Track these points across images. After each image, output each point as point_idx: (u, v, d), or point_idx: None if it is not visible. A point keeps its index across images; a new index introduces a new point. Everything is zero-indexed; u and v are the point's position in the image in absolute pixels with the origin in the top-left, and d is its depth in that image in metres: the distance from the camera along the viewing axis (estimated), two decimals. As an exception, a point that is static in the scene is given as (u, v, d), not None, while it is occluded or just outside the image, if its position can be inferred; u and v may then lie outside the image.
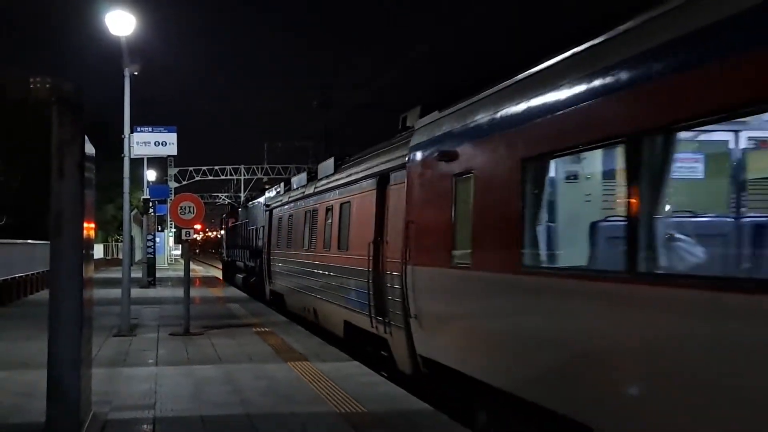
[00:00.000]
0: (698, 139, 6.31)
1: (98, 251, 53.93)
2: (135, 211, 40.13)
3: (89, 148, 7.49)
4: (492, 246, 8.22)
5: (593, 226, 6.78)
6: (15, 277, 25.57)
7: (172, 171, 74.83)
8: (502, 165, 8.08)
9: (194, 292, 25.27)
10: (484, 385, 8.28)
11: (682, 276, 5.43)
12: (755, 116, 5.15)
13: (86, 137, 7.27)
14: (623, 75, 5.94)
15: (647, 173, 5.60)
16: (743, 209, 5.87)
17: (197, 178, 78.19)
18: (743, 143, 6.17)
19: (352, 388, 10.27)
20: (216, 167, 79.04)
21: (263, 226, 27.32)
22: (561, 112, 6.83)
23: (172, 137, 18.65)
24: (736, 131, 6.13)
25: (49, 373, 6.96)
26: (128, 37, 16.89)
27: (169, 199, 41.99)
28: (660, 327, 5.34)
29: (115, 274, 32.66)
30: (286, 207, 23.05)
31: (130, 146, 17.59)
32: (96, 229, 11.13)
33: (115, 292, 19.23)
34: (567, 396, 6.59)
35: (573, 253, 7.04)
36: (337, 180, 16.78)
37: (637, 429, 5.59)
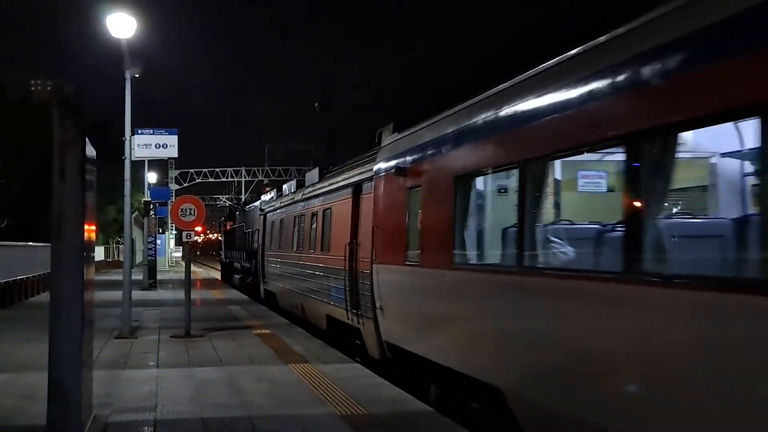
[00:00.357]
0: (562, 165, 8.05)
1: (99, 253, 53.98)
2: (136, 213, 40.17)
3: (90, 150, 7.49)
4: (434, 247, 9.98)
5: (504, 232, 8.32)
6: (16, 280, 25.57)
7: (173, 173, 74.88)
8: (440, 181, 9.91)
9: (195, 294, 25.30)
10: (432, 364, 9.99)
11: (551, 269, 7.45)
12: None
13: (87, 139, 7.28)
14: (513, 118, 8.03)
15: (531, 190, 7.52)
16: (596, 220, 7.48)
17: (198, 180, 78.29)
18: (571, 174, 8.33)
19: (353, 390, 10.27)
20: (217, 169, 79.20)
21: (258, 229, 29.13)
22: (479, 140, 8.89)
23: (173, 139, 18.64)
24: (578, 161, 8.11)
25: (50, 375, 6.96)
26: (129, 39, 16.89)
27: (169, 202, 42.01)
28: (537, 306, 7.29)
29: (116, 276, 32.65)
30: (278, 211, 24.96)
31: (131, 149, 17.59)
32: (97, 232, 11.19)
33: (116, 295, 19.24)
34: (484, 366, 8.52)
35: (489, 253, 8.98)
36: (320, 188, 18.64)
37: (525, 386, 7.72)
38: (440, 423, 8.65)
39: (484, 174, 9.01)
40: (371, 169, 13.42)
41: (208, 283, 40.75)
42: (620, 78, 6.11)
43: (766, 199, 4.98)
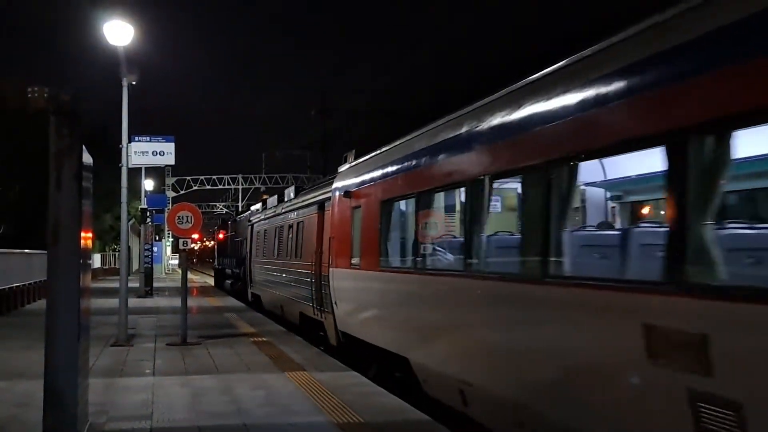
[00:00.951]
0: (436, 196, 10.66)
1: (96, 261, 53.92)
2: (132, 220, 40.09)
3: (87, 158, 7.49)
4: (368, 254, 12.98)
5: (414, 243, 10.99)
6: (13, 287, 25.52)
7: (170, 180, 74.90)
8: (372, 204, 12.96)
9: (191, 302, 25.28)
10: (369, 345, 12.90)
11: (433, 269, 10.37)
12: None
13: (84, 147, 7.27)
14: (410, 163, 11.24)
15: (422, 214, 10.69)
16: (456, 235, 10.20)
17: (195, 188, 78.30)
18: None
19: (350, 399, 10.26)
20: (214, 177, 79.19)
21: (246, 239, 32.05)
22: (393, 175, 12.04)
23: (170, 147, 18.69)
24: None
25: (46, 382, 6.94)
26: (126, 46, 16.90)
27: (166, 209, 41.94)
28: (426, 296, 10.32)
29: (113, 283, 32.63)
30: (262, 222, 28.13)
31: (128, 156, 17.59)
32: (93, 239, 11.21)
33: (113, 302, 19.21)
34: (398, 342, 11.50)
35: (399, 259, 11.99)
36: (295, 203, 21.81)
37: (420, 354, 10.63)
38: (436, 431, 8.63)
39: (398, 200, 11.99)
40: (330, 190, 16.39)
41: (205, 291, 40.70)
42: (465, 138, 9.24)
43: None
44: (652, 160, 6.08)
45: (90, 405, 8.39)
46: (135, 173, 36.73)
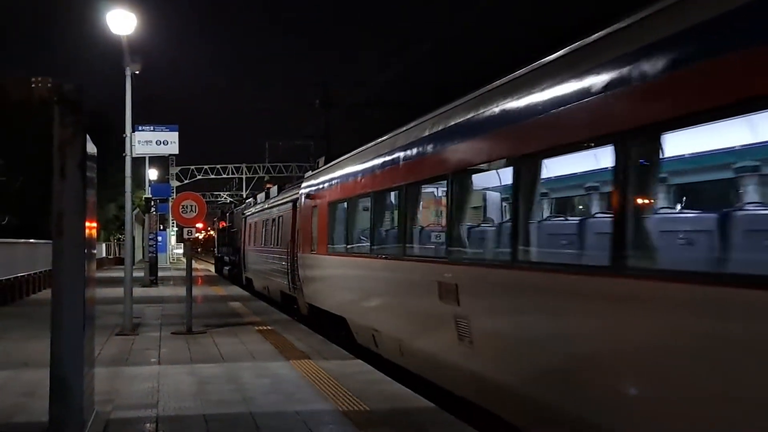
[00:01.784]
0: (364, 199, 14.08)
1: (100, 250, 53.99)
2: (137, 210, 40.14)
3: (91, 148, 7.49)
4: (321, 242, 16.87)
5: (346, 234, 14.84)
6: (18, 277, 25.59)
7: (174, 170, 74.92)
8: (323, 204, 16.90)
9: (196, 291, 25.30)
10: (325, 312, 16.56)
11: (361, 253, 13.76)
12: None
13: (88, 136, 7.27)
14: (347, 174, 15.24)
15: (355, 214, 14.47)
16: (388, 228, 13.13)
17: (199, 177, 78.29)
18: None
19: (355, 387, 10.28)
20: (218, 166, 79.20)
21: (240, 229, 36.43)
22: (335, 183, 16.09)
23: (173, 136, 18.60)
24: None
25: (52, 372, 6.97)
26: (129, 36, 16.87)
27: (170, 198, 41.99)
28: (357, 271, 13.89)
29: (118, 273, 32.68)
30: (253, 215, 32.31)
31: (131, 145, 17.58)
32: (98, 229, 11.25)
33: (118, 291, 19.25)
34: (339, 306, 15.33)
35: (340, 246, 15.26)
36: (277, 201, 26.08)
37: (353, 314, 14.29)
38: (442, 419, 8.65)
39: (338, 203, 15.72)
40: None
41: (209, 280, 40.76)
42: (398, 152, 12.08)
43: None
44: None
45: (96, 394, 8.43)
46: (139, 163, 36.76)
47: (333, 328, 15.94)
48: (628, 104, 5.97)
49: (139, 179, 39.12)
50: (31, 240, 29.26)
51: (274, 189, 29.23)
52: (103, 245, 58.51)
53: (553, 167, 7.83)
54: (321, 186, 17.64)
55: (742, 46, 4.90)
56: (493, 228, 9.39)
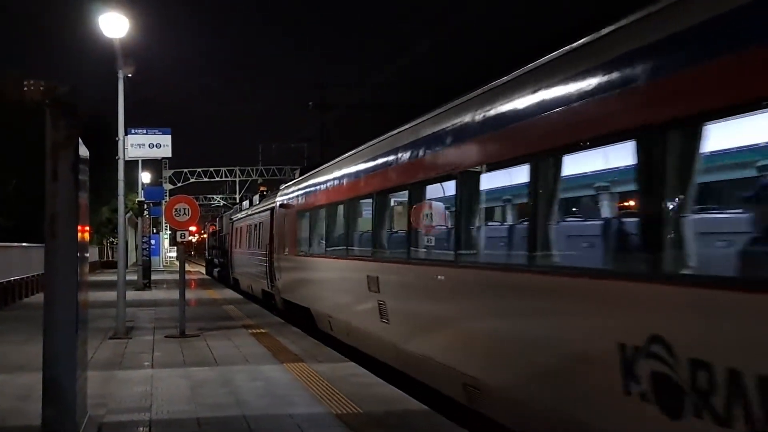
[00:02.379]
0: (321, 208, 17.27)
1: (93, 254, 53.88)
2: (130, 213, 40.08)
3: (83, 151, 7.48)
4: (291, 245, 20.02)
5: (309, 238, 18.00)
6: (11, 280, 25.53)
7: (167, 173, 74.84)
8: (293, 212, 20.06)
9: (190, 294, 25.28)
10: (295, 305, 19.73)
11: (320, 254, 16.76)
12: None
13: (80, 139, 7.26)
14: (309, 188, 18.97)
15: (316, 221, 17.65)
16: (342, 233, 15.17)
17: (192, 180, 78.24)
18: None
19: (348, 389, 10.28)
20: (211, 169, 79.20)
21: (228, 233, 39.29)
22: (301, 197, 19.47)
23: (166, 139, 18.67)
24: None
25: (45, 375, 6.96)
26: (122, 39, 16.86)
27: (163, 201, 41.89)
28: (312, 269, 17.53)
29: (111, 276, 32.62)
30: (238, 221, 35.08)
31: (124, 148, 17.57)
32: (91, 232, 11.20)
33: (111, 295, 19.20)
34: (305, 298, 18.43)
35: (306, 247, 18.35)
36: (258, 208, 28.83)
37: (316, 305, 17.32)
38: (435, 422, 8.66)
39: (305, 211, 18.76)
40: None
41: (203, 283, 40.70)
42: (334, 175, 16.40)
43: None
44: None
45: (89, 397, 8.40)
46: (132, 166, 36.73)
47: (302, 318, 18.91)
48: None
49: (132, 182, 39.08)
50: (25, 243, 29.18)
51: (256, 197, 33.41)
52: (96, 248, 58.37)
53: (431, 193, 10.67)
54: (291, 197, 21.09)
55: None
56: (398, 233, 12.11)
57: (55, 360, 6.95)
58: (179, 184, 75.45)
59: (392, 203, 12.46)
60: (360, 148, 14.72)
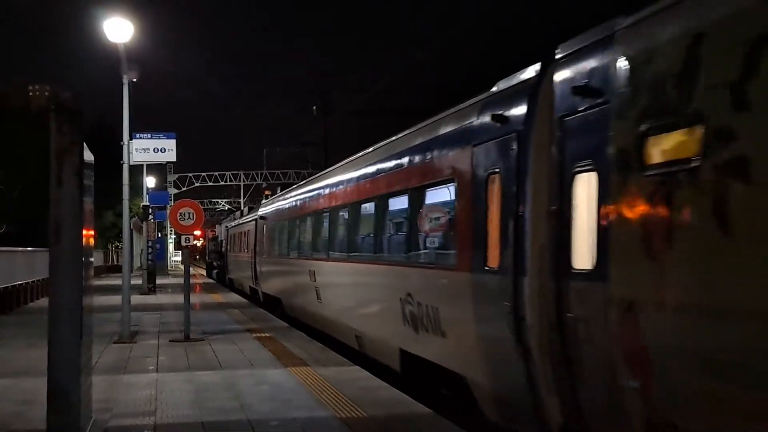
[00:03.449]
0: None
1: (98, 258, 53.90)
2: (135, 218, 40.09)
3: (88, 155, 7.50)
4: (268, 249, 24.90)
5: (279, 244, 23.19)
6: (16, 285, 25.57)
7: (172, 177, 74.91)
8: (269, 224, 25.37)
9: (194, 299, 25.29)
10: (271, 296, 24.43)
11: (281, 255, 22.51)
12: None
13: (85, 144, 7.28)
14: (279, 206, 25.25)
15: (282, 231, 23.24)
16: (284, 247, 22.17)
17: (197, 184, 78.27)
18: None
19: (353, 393, 10.27)
20: (215, 173, 79.22)
21: (225, 239, 44.97)
22: (274, 210, 25.88)
23: (171, 143, 18.64)
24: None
25: (49, 380, 6.96)
26: (126, 44, 16.90)
27: (168, 206, 41.92)
28: (281, 267, 22.65)
29: (115, 281, 32.68)
30: (232, 228, 40.53)
31: (129, 153, 17.59)
32: (95, 236, 11.29)
33: (116, 299, 19.24)
34: (278, 291, 23.45)
35: (279, 250, 23.00)
36: (246, 218, 35.23)
37: (284, 295, 22.24)
38: (440, 425, 8.65)
39: (276, 222, 23.81)
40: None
41: (207, 287, 40.73)
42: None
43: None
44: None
45: (94, 402, 8.42)
46: (137, 170, 36.78)
47: (276, 307, 23.71)
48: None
49: (137, 187, 39.13)
50: (30, 248, 29.23)
51: (246, 209, 44.32)
52: (101, 253, 58.40)
53: (338, 216, 15.86)
54: (267, 211, 26.85)
55: None
56: (324, 240, 16.89)
57: (60, 364, 6.96)
58: (184, 189, 75.50)
59: (321, 221, 17.32)
60: (305, 182, 22.13)
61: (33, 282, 28.27)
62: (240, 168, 79.41)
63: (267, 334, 17.32)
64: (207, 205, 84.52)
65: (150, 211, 35.79)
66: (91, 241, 8.17)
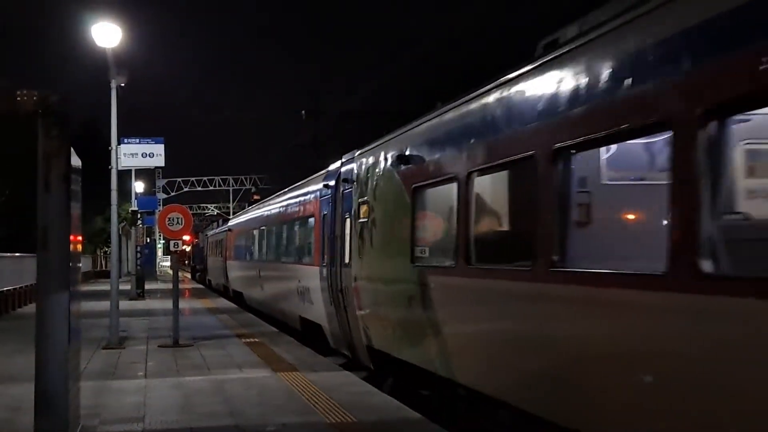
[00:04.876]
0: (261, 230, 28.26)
1: (86, 263, 53.71)
2: (124, 223, 39.96)
3: (75, 160, 7.46)
4: (236, 254, 32.37)
5: (242, 249, 30.63)
6: (3, 291, 25.44)
7: (161, 182, 74.71)
8: (234, 233, 34.18)
9: (183, 304, 25.21)
10: (238, 292, 31.32)
11: (243, 258, 30.13)
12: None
13: (72, 149, 7.24)
14: (241, 218, 35.72)
15: (247, 239, 29.93)
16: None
17: (186, 189, 78.15)
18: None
19: (343, 398, 10.25)
20: (204, 178, 79.14)
21: (205, 245, 52.31)
22: (238, 222, 35.90)
23: (159, 149, 18.62)
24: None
25: (37, 386, 6.92)
26: (114, 48, 16.85)
27: (157, 211, 41.84)
28: (242, 268, 30.30)
29: (104, 286, 32.56)
30: (211, 236, 47.88)
31: (117, 158, 17.53)
32: (84, 241, 11.26)
33: (104, 305, 19.15)
34: (242, 287, 30.13)
35: (238, 254, 31.88)
36: (221, 228, 41.41)
37: (246, 291, 28.96)
38: (430, 430, 8.64)
39: (238, 234, 32.59)
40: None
41: (197, 292, 40.66)
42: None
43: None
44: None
45: (82, 408, 8.37)
46: (126, 176, 36.67)
47: (240, 300, 29.99)
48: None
49: (125, 192, 39.01)
50: (17, 253, 29.09)
51: (221, 221, 50.17)
52: (90, 258, 58.14)
53: (273, 232, 23.23)
54: (233, 224, 36.30)
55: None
56: (260, 248, 23.80)
57: (48, 370, 6.92)
58: (173, 194, 75.39)
59: (256, 235, 26.23)
60: (254, 206, 31.26)
61: (21, 288, 28.14)
62: (229, 173, 79.41)
63: (256, 339, 17.27)
64: (196, 210, 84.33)
65: (139, 216, 35.70)
66: (79, 246, 8.13)
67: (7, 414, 9.54)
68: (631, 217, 7.40)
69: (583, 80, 6.38)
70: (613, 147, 6.98)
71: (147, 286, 36.06)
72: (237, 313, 25.17)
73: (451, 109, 9.31)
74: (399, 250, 10.57)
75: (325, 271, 15.06)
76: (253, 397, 10.51)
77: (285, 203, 21.77)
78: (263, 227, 24.84)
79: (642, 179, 7.25)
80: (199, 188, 79.58)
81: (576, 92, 6.46)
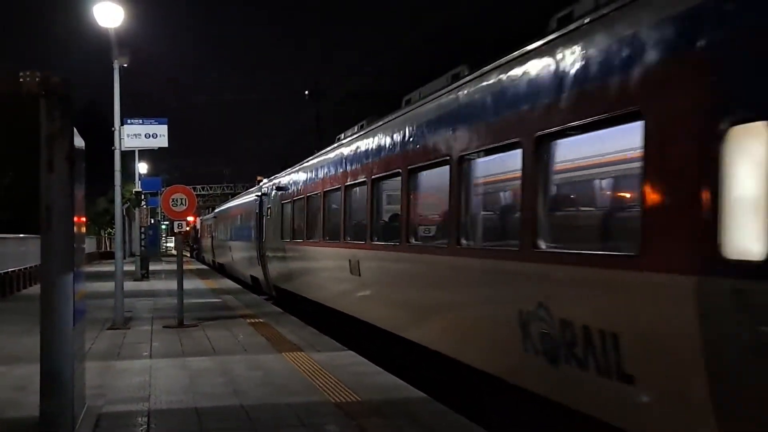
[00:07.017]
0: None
1: (91, 245, 53.82)
2: (127, 204, 39.99)
3: (79, 141, 7.45)
4: (218, 236, 44.76)
5: (225, 230, 40.71)
6: (8, 272, 25.52)
7: (164, 165, 74.59)
8: (219, 219, 45.44)
9: (188, 284, 25.26)
10: (221, 265, 42.40)
11: (222, 239, 41.80)
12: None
13: (75, 130, 7.23)
14: (223, 207, 50.51)
15: (223, 223, 43.29)
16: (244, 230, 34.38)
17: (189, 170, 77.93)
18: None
19: (347, 378, 10.28)
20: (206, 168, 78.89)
21: (200, 228, 62.81)
22: (220, 210, 48.91)
23: (162, 129, 18.53)
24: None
25: (42, 366, 6.94)
26: (117, 28, 16.80)
27: (160, 192, 41.83)
28: (222, 244, 41.74)
29: (108, 267, 32.63)
30: (205, 221, 57.23)
31: (120, 139, 17.51)
32: (88, 222, 11.17)
33: (109, 285, 19.19)
34: (224, 260, 40.29)
35: (221, 235, 41.91)
36: (212, 214, 53.89)
37: (225, 261, 40.38)
38: (434, 409, 8.66)
39: (221, 220, 43.59)
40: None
41: (201, 273, 40.76)
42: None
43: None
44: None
45: (87, 388, 8.41)
46: (129, 156, 36.65)
47: (222, 271, 39.97)
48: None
49: (129, 173, 39.02)
50: (22, 235, 29.14)
51: (210, 210, 62.69)
52: (94, 239, 58.23)
53: (243, 220, 32.60)
54: (218, 210, 48.01)
55: None
56: (228, 230, 37.26)
57: (53, 351, 6.94)
58: (176, 175, 75.27)
59: (224, 222, 40.14)
60: (227, 201, 47.45)
61: (26, 269, 28.22)
62: (231, 155, 79.42)
63: (261, 320, 17.32)
64: (200, 191, 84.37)
65: (143, 196, 35.71)
66: (83, 227, 8.13)
67: (13, 394, 9.59)
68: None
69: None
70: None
71: (151, 267, 36.18)
72: (241, 294, 25.23)
73: (321, 155, 18.26)
74: (279, 233, 21.80)
75: (257, 243, 25.66)
76: (257, 378, 10.55)
77: (242, 203, 34.15)
78: (234, 217, 35.64)
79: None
80: (201, 170, 79.42)
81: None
